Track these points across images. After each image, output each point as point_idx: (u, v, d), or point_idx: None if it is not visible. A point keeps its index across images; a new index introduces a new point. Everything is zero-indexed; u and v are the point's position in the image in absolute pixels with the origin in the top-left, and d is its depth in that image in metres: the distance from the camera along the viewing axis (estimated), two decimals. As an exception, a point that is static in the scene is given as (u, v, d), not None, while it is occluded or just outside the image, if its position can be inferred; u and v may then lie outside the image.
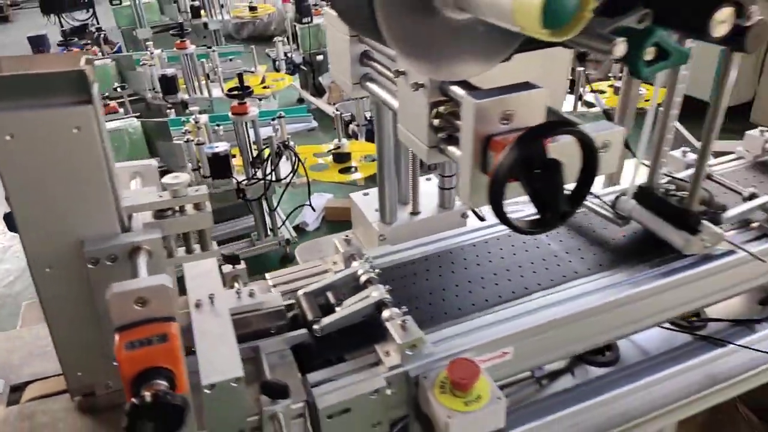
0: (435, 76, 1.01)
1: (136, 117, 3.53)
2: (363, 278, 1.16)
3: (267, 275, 1.28)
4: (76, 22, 9.14)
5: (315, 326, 1.07)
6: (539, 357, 1.17)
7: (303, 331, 1.08)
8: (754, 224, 1.33)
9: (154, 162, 1.02)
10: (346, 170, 3.35)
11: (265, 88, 4.67)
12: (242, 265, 1.20)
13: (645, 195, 1.28)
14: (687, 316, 1.54)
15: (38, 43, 4.65)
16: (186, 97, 4.62)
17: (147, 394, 0.68)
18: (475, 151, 0.95)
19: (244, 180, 3.27)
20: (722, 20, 0.90)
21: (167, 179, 0.88)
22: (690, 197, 1.19)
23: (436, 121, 1.07)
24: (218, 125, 3.53)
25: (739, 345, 1.42)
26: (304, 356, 1.07)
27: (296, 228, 3.90)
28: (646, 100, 4.05)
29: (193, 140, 3.14)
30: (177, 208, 0.89)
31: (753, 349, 1.42)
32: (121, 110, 3.74)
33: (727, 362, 1.45)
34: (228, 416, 0.90)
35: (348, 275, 1.18)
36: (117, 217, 0.83)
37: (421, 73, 1.01)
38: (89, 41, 5.81)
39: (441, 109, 1.03)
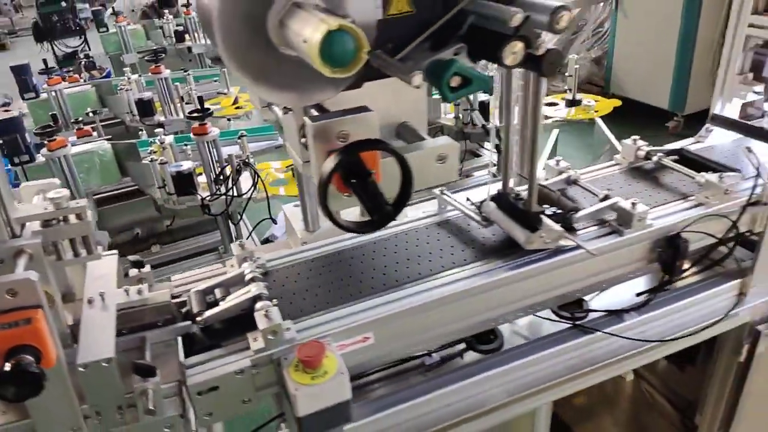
0: (283, 102, 1.19)
1: (107, 140, 3.73)
2: (248, 277, 1.34)
3: (172, 278, 1.46)
4: (69, 49, 9.45)
5: (198, 318, 1.24)
6: (402, 341, 1.34)
7: (188, 322, 1.25)
8: (607, 222, 1.50)
9: (56, 180, 1.20)
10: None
11: (237, 108, 4.88)
12: (147, 269, 1.37)
13: (500, 199, 1.45)
14: (570, 307, 1.71)
15: (21, 72, 4.86)
16: (162, 119, 4.83)
17: (8, 364, 0.86)
18: (319, 164, 1.13)
19: (208, 196, 3.46)
20: (513, 52, 1.08)
21: (50, 194, 1.06)
22: (528, 199, 1.37)
23: (304, 140, 1.25)
24: (186, 145, 3.72)
25: (606, 332, 1.58)
26: (189, 344, 1.24)
27: (267, 240, 4.07)
28: (595, 111, 4.25)
29: (156, 160, 3.33)
30: (61, 218, 1.07)
31: (619, 336, 1.58)
32: (95, 134, 3.94)
33: (600, 347, 1.62)
34: (105, 392, 1.07)
35: (236, 275, 1.36)
36: (5, 227, 1.01)
37: (270, 99, 1.19)
38: (70, 69, 6.06)
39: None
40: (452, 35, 1.18)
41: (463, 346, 1.65)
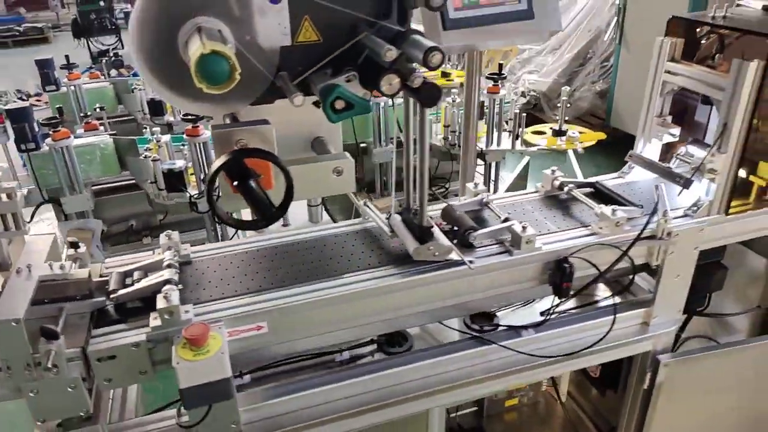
0: (199, 112, 1.36)
1: (111, 135, 3.98)
2: (165, 263, 1.50)
3: (107, 260, 1.64)
4: (104, 47, 9.91)
5: (112, 296, 1.41)
6: (297, 333, 1.48)
7: (102, 298, 1.42)
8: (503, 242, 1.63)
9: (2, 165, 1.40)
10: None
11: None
12: (83, 248, 1.55)
13: (402, 214, 1.60)
14: (481, 320, 1.84)
15: (44, 66, 5.19)
16: (171, 119, 5.08)
17: None
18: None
19: (196, 194, 3.66)
20: (390, 83, 1.23)
21: (-19, 178, 1.25)
22: (420, 216, 1.51)
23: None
24: (183, 145, 3.95)
25: (501, 345, 1.70)
26: (102, 318, 1.41)
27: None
28: (580, 142, 4.34)
29: (150, 157, 3.55)
30: (-6, 196, 1.25)
31: (511, 350, 1.70)
32: (102, 128, 4.19)
33: (498, 359, 1.74)
34: (14, 349, 1.24)
35: (156, 261, 1.53)
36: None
37: (187, 110, 1.36)
38: (92, 66, 6.39)
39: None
40: (350, 64, 1.34)
41: (374, 346, 1.80)
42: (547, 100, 6.34)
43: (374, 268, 1.57)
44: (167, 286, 1.38)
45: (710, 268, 2.10)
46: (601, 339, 1.70)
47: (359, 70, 1.31)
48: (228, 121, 1.38)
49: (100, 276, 1.53)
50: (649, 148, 1.93)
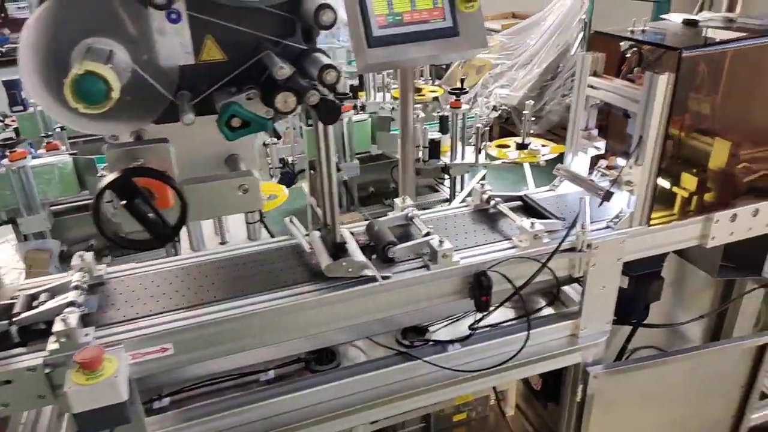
0: (100, 132, 1.35)
1: (70, 154, 3.96)
2: (72, 285, 1.48)
3: (23, 281, 1.61)
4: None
5: (14, 318, 1.39)
6: (206, 353, 1.46)
7: (5, 321, 1.39)
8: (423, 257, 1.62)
9: None
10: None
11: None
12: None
13: (322, 231, 1.59)
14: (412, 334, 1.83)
15: (11, 87, 5.18)
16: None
17: None
18: (114, 187, 1.28)
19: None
20: (285, 101, 1.23)
21: None
22: (332, 232, 1.50)
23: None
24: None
25: (425, 360, 1.69)
26: (4, 341, 1.38)
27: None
28: (542, 155, 4.37)
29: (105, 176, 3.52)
30: None
31: (435, 365, 1.69)
32: (63, 147, 4.17)
33: (426, 375, 1.73)
34: None
35: (64, 283, 1.51)
36: None
37: (87, 130, 1.34)
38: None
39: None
40: (253, 82, 1.33)
41: (301, 364, 1.78)
42: (517, 113, 6.38)
43: (291, 285, 1.55)
44: (68, 309, 1.36)
45: (647, 279, 2.10)
46: (513, 356, 1.68)
47: (261, 88, 1.31)
48: (133, 139, 1.38)
49: (11, 298, 1.51)
50: (578, 161, 1.94)
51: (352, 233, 1.66)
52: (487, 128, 6.40)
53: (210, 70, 1.33)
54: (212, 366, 1.68)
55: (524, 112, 4.51)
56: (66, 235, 4.08)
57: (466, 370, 1.69)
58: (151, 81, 1.27)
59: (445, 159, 4.33)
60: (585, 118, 1.87)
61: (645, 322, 2.25)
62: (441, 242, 1.58)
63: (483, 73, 7.28)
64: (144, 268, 1.69)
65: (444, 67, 7.52)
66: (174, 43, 1.29)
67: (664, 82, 1.54)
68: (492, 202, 1.86)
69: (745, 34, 1.69)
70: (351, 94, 4.87)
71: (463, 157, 4.34)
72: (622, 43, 1.78)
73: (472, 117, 4.50)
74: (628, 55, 1.79)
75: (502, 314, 1.85)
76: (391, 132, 4.67)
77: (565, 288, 1.98)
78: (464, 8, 1.87)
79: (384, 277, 1.52)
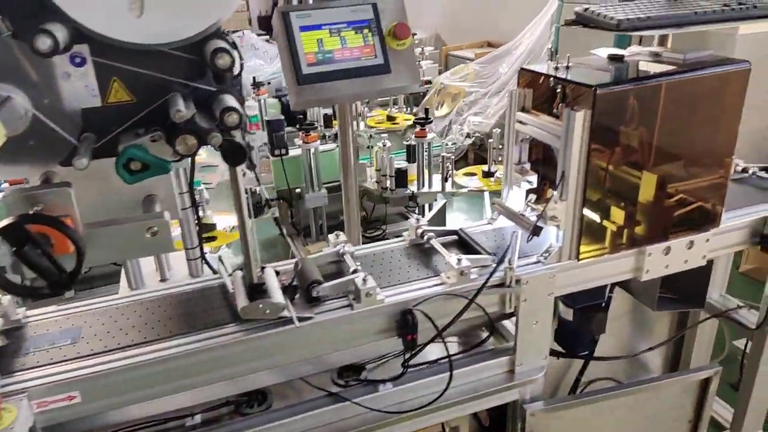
0: (6, 176, 1.34)
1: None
2: (-16, 329, 1.45)
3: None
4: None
5: None
6: (116, 401, 1.42)
7: None
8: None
9: None
10: (210, 239, 3.68)
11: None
12: None
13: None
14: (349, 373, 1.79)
15: None
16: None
17: None
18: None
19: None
20: (185, 143, 1.22)
21: None
22: (248, 273, 1.48)
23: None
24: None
25: (354, 402, 1.66)
26: None
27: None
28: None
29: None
30: None
31: (361, 406, 1.65)
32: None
33: (357, 416, 1.69)
34: None
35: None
36: None
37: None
38: None
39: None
40: (159, 124, 1.33)
41: (231, 407, 1.74)
42: (489, 140, 6.43)
43: (211, 328, 1.53)
44: (-27, 353, 1.33)
45: (590, 312, 2.09)
46: (436, 399, 1.65)
47: (166, 130, 1.30)
48: (41, 181, 1.36)
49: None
50: (514, 195, 1.94)
51: (278, 272, 1.64)
52: (462, 155, 6.45)
53: (118, 112, 1.33)
54: (134, 411, 1.63)
55: (489, 140, 4.55)
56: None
57: (393, 411, 1.65)
58: (51, 125, 1.26)
59: (413, 187, 4.35)
60: (517, 153, 1.88)
61: (603, 354, 2.24)
62: (365, 280, 1.56)
63: (458, 101, 7.36)
64: (67, 310, 1.66)
65: (422, 94, 7.61)
66: (79, 87, 1.29)
67: (581, 118, 1.55)
68: (425, 237, 1.85)
69: (671, 68, 1.71)
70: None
71: (430, 186, 4.36)
72: (551, 79, 1.80)
73: (438, 146, 4.52)
74: (558, 91, 1.81)
75: (441, 350, 1.83)
76: (360, 161, 4.69)
77: (507, 323, 1.96)
78: (396, 46, 1.90)
79: (303, 318, 1.49)
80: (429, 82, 7.70)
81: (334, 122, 5.28)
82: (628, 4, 1.80)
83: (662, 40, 1.99)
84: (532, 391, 1.84)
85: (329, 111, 5.37)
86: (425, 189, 4.34)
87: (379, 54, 1.88)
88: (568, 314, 2.18)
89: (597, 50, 1.92)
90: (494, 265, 1.67)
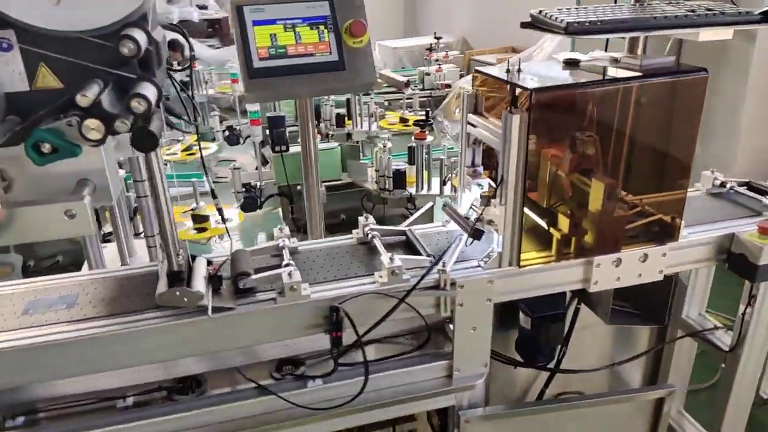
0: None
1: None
2: None
3: None
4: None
5: None
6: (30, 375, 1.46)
7: None
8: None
9: None
10: (201, 230, 3.76)
11: (189, 155, 5.22)
12: None
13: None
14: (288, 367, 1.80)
15: None
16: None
17: None
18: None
19: (110, 233, 3.71)
20: (92, 128, 1.25)
21: None
22: (168, 260, 1.50)
23: None
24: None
25: (280, 396, 1.66)
26: None
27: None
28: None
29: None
30: None
31: (288, 401, 1.65)
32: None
33: (284, 411, 1.69)
34: None
35: None
36: None
37: None
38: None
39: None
40: (79, 109, 1.35)
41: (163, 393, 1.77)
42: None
43: (130, 313, 1.55)
44: None
45: (546, 321, 2.04)
46: (351, 400, 1.63)
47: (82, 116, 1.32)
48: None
49: None
50: (467, 198, 1.91)
51: (210, 262, 1.66)
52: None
53: (46, 97, 1.36)
54: (67, 388, 1.67)
55: (492, 145, 4.48)
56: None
57: (317, 408, 1.64)
58: (-27, 108, 1.30)
59: (412, 189, 4.33)
60: (470, 155, 1.85)
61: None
62: (290, 275, 1.56)
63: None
64: (10, 287, 1.71)
65: (442, 98, 7.56)
66: (7, 71, 1.33)
67: (517, 121, 1.51)
68: (370, 236, 1.83)
69: (627, 74, 1.66)
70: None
71: (429, 188, 4.33)
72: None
73: (438, 149, 4.49)
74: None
75: (379, 351, 1.81)
76: (362, 161, 4.70)
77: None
78: (352, 43, 1.89)
79: (222, 308, 1.50)
80: (448, 85, 7.67)
81: (347, 122, 5.31)
82: (587, 7, 1.75)
83: (632, 46, 1.92)
84: (470, 397, 1.80)
85: (342, 110, 5.39)
86: (424, 191, 4.32)
87: (334, 51, 1.88)
88: (528, 323, 2.13)
89: (558, 54, 1.88)
90: (427, 269, 1.64)
